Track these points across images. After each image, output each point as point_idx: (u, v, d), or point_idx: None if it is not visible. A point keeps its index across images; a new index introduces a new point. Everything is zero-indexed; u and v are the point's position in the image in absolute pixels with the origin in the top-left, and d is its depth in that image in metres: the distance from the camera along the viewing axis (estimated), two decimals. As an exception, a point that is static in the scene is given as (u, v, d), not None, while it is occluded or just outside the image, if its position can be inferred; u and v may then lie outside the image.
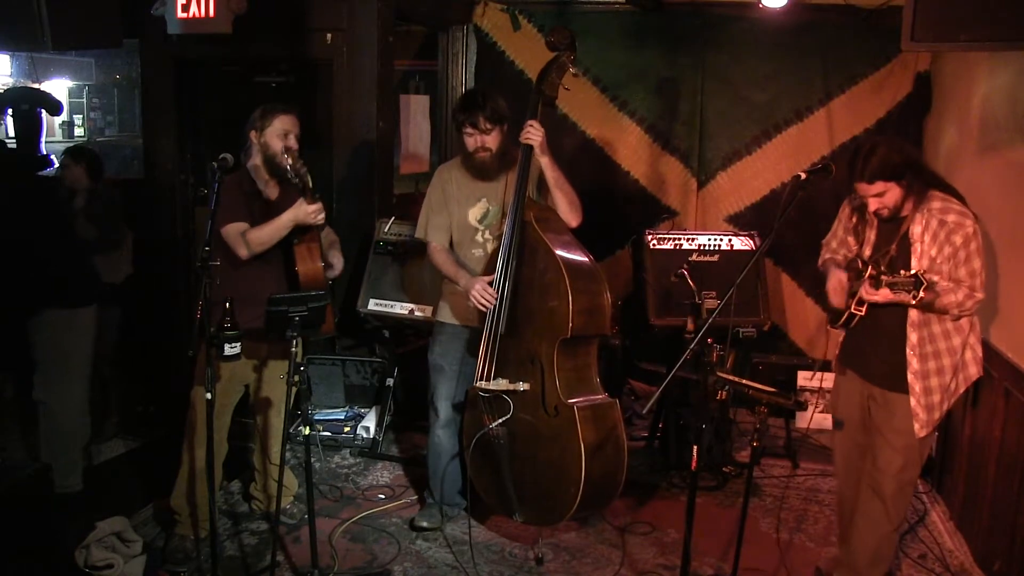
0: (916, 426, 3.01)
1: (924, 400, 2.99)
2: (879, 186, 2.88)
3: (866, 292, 2.89)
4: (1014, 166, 3.54)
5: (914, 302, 2.76)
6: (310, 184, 3.32)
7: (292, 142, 3.44)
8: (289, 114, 3.47)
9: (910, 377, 2.99)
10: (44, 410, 3.93)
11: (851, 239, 3.23)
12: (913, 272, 2.71)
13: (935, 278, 2.85)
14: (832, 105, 5.27)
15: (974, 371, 3.04)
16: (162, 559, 3.49)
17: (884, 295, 2.81)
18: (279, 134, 3.42)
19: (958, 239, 2.88)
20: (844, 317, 3.08)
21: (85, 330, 3.95)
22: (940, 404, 3.01)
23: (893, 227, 3.02)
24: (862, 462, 3.23)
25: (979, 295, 2.91)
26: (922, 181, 2.96)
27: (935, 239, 2.92)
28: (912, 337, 2.98)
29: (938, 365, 2.99)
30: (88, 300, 3.96)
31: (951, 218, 2.90)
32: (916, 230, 2.95)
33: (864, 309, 3.00)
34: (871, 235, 3.11)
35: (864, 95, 5.21)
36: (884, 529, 3.14)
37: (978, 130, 4.06)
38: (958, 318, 2.96)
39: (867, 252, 3.09)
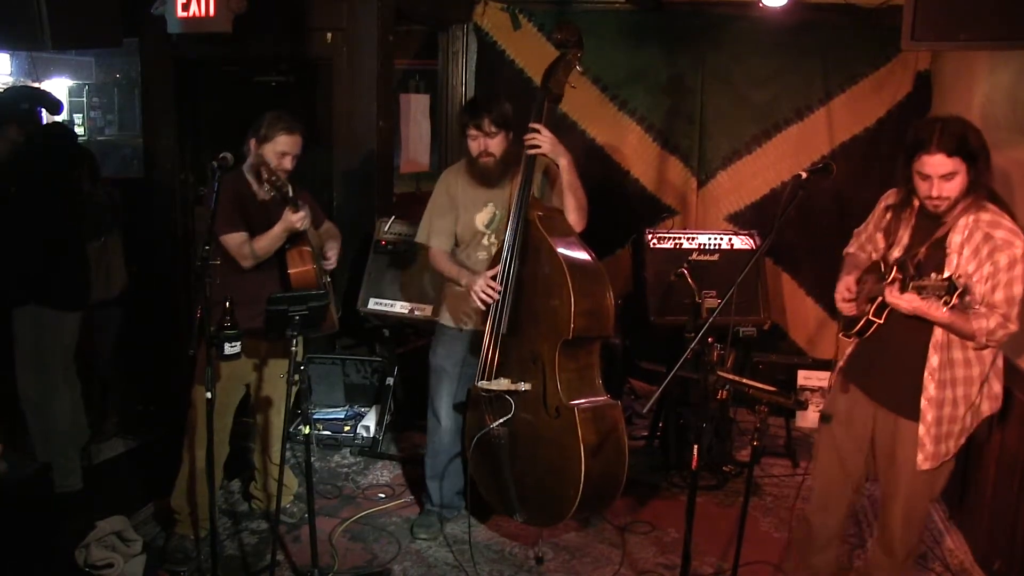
0: (919, 457, 2.73)
1: (934, 430, 2.72)
2: (955, 163, 2.55)
3: (891, 295, 2.61)
4: (1015, 165, 3.54)
5: (944, 310, 2.48)
6: (289, 194, 3.32)
7: (288, 164, 3.42)
8: (293, 134, 3.42)
9: (923, 403, 2.71)
10: (33, 409, 3.94)
11: (880, 236, 2.93)
12: (947, 275, 2.44)
13: (974, 285, 2.55)
14: (832, 104, 5.28)
15: (986, 407, 2.78)
16: (162, 558, 3.49)
17: (910, 301, 2.54)
18: (277, 153, 3.40)
19: (1003, 260, 2.56)
20: (860, 325, 2.82)
21: (68, 334, 3.95)
22: (948, 438, 2.74)
23: (930, 230, 2.72)
24: (845, 491, 3.00)
25: (1012, 327, 2.59)
26: (984, 183, 2.63)
27: (976, 254, 2.60)
28: (933, 360, 2.69)
29: (954, 395, 2.71)
30: (77, 304, 3.97)
31: (1000, 234, 2.58)
32: (956, 239, 2.64)
33: (883, 317, 2.74)
34: (904, 236, 2.81)
35: (864, 94, 5.21)
36: (888, 564, 2.94)
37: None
38: (984, 347, 2.66)
39: (895, 254, 2.79)
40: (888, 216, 2.89)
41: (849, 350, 3.02)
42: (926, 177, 2.60)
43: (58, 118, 4.39)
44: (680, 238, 4.86)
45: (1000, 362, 2.77)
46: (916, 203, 2.77)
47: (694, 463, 2.70)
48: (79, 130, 9.30)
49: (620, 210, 5.53)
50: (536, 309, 3.37)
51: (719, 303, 2.80)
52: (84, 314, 4.04)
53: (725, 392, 2.79)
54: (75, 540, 3.37)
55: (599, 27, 5.41)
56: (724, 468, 4.39)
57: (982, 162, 2.58)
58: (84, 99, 9.25)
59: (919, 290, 2.48)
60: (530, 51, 5.50)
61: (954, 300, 2.41)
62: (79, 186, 4.04)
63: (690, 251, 4.77)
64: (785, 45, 5.27)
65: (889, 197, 2.92)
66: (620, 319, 4.81)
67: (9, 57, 7.41)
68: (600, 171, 5.56)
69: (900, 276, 2.59)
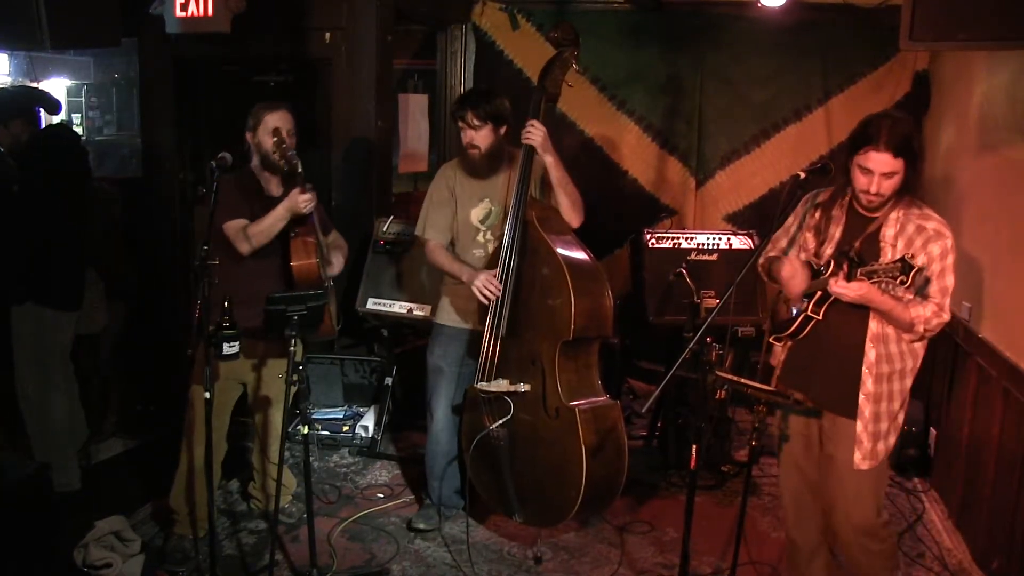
0: (857, 455, 2.71)
1: (872, 427, 2.71)
2: (899, 163, 2.57)
3: (836, 285, 2.57)
4: (1013, 165, 3.54)
5: (899, 291, 2.51)
6: (299, 169, 3.33)
7: (283, 136, 3.44)
8: (278, 110, 3.46)
9: (861, 399, 2.71)
10: (31, 408, 3.94)
11: (809, 236, 2.89)
12: (899, 257, 2.45)
13: (920, 263, 2.50)
14: (831, 104, 5.29)
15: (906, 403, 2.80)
16: (161, 558, 3.49)
17: (858, 288, 2.53)
18: (270, 131, 3.42)
19: (936, 249, 2.62)
20: (797, 323, 2.78)
21: (66, 333, 3.95)
22: (887, 435, 2.74)
23: (862, 226, 2.74)
24: (815, 502, 2.96)
25: (945, 316, 2.63)
26: (916, 186, 2.69)
27: (909, 245, 2.64)
28: (870, 353, 2.70)
29: (890, 389, 2.72)
30: (75, 304, 3.97)
31: (931, 225, 2.64)
32: (889, 232, 2.68)
33: (822, 313, 2.72)
34: (836, 233, 2.80)
35: (863, 94, 5.21)
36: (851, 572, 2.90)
37: (977, 129, 4.07)
38: (920, 338, 2.69)
39: (828, 251, 2.78)
40: (818, 214, 2.87)
41: (783, 357, 2.96)
42: (867, 172, 2.61)
43: (56, 118, 4.39)
44: (679, 238, 4.86)
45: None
46: (847, 199, 2.78)
47: (693, 463, 2.70)
48: (77, 130, 9.30)
49: (618, 210, 5.53)
50: (535, 309, 3.37)
51: (718, 303, 2.80)
52: (85, 313, 4.04)
53: (723, 392, 2.79)
54: (73, 540, 3.36)
55: (598, 27, 5.41)
56: (723, 468, 4.40)
57: (919, 165, 2.64)
58: (83, 99, 9.24)
59: (870, 275, 2.49)
60: (529, 51, 5.50)
61: (911, 279, 2.40)
62: (81, 185, 4.04)
63: (689, 251, 4.76)
64: (784, 45, 5.28)
65: (818, 196, 2.92)
66: (619, 319, 4.81)
67: (8, 57, 7.40)
68: (598, 171, 5.57)
69: (845, 266, 2.58)
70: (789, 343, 2.90)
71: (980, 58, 4.03)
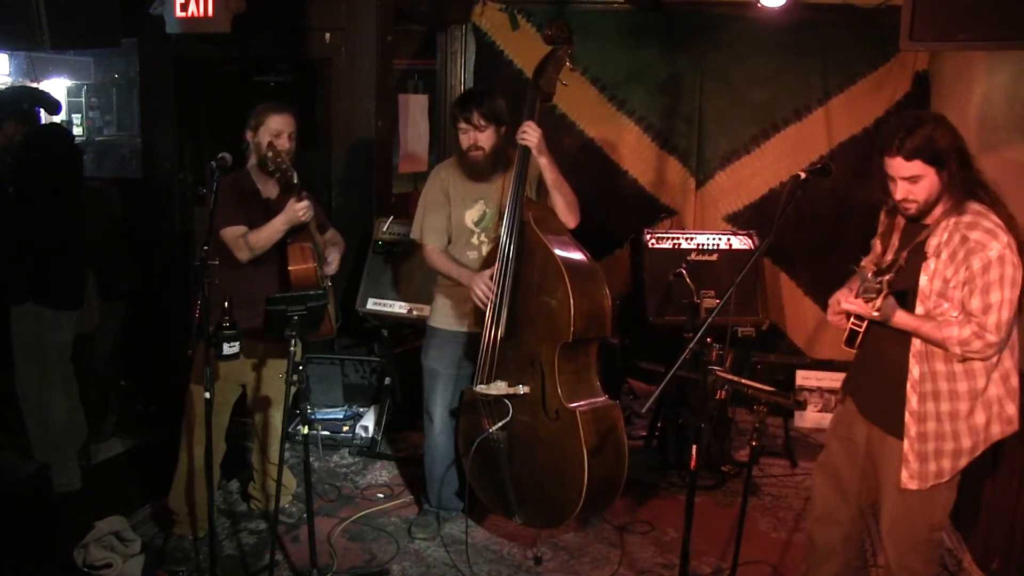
0: (904, 474, 2.58)
1: (917, 446, 2.56)
2: (917, 167, 2.42)
3: (847, 301, 2.54)
4: (1013, 165, 3.54)
5: (875, 314, 2.40)
6: (294, 180, 3.31)
7: (284, 142, 3.43)
8: (282, 113, 3.46)
9: (907, 417, 2.57)
10: (31, 408, 3.94)
11: (877, 243, 2.79)
12: (879, 278, 2.37)
13: (951, 291, 2.43)
14: (831, 104, 5.29)
15: (997, 430, 2.57)
16: (161, 558, 3.49)
17: (860, 305, 2.47)
18: (272, 134, 3.42)
19: (976, 263, 2.40)
20: (847, 334, 2.69)
21: (65, 333, 3.95)
22: (939, 457, 2.57)
23: (914, 234, 2.59)
24: (844, 509, 2.89)
25: (991, 337, 2.41)
26: (964, 182, 2.49)
27: (953, 257, 2.45)
28: (914, 371, 2.55)
29: (937, 409, 2.55)
30: (74, 303, 3.97)
31: (975, 236, 2.42)
32: (934, 242, 2.50)
33: (864, 325, 2.60)
34: (895, 241, 2.68)
35: (863, 94, 5.22)
36: None
37: (976, 129, 4.06)
38: (963, 359, 2.49)
39: (887, 260, 2.64)
40: (885, 223, 2.78)
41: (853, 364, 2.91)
42: (892, 179, 2.52)
43: (56, 118, 4.39)
44: (679, 238, 4.87)
45: (1015, 381, 2.56)
46: None
47: (693, 463, 2.70)
48: (77, 130, 9.32)
49: (618, 210, 5.53)
50: (534, 311, 3.36)
51: (718, 303, 2.79)
52: (80, 313, 4.04)
53: (724, 392, 2.78)
54: (74, 540, 3.37)
55: (598, 27, 5.42)
56: (723, 468, 4.40)
57: (954, 163, 2.45)
58: (83, 99, 9.24)
59: (864, 293, 2.41)
60: (528, 51, 5.49)
61: (879, 301, 2.34)
62: (76, 185, 4.05)
63: (689, 251, 4.77)
64: (784, 45, 5.28)
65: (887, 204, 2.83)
66: (619, 319, 4.82)
67: (8, 57, 7.40)
68: (598, 171, 5.57)
69: (856, 281, 2.52)
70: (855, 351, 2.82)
71: (980, 58, 4.03)
